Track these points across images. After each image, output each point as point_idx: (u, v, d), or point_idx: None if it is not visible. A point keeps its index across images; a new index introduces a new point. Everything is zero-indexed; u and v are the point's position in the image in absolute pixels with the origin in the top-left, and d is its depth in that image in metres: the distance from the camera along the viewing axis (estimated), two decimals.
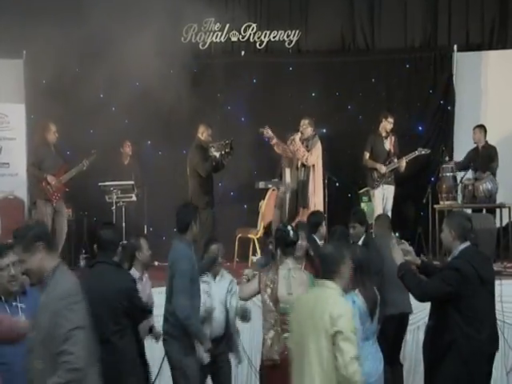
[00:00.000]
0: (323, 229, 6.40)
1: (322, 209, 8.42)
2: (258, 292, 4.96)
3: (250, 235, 8.98)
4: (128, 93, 8.80)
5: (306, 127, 8.58)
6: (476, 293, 4.49)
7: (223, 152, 8.41)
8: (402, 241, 5.07)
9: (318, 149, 8.60)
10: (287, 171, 8.76)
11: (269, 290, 4.81)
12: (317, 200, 8.54)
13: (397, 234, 5.32)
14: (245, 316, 5.42)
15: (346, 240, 5.95)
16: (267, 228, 8.33)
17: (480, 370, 4.56)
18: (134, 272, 5.30)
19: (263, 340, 4.90)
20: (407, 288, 4.74)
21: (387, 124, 9.09)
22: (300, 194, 8.43)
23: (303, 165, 8.51)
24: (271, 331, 4.77)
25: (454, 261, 4.57)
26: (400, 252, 4.72)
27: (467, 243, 4.60)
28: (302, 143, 8.58)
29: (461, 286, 4.44)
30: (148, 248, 5.41)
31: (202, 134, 8.69)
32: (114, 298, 4.29)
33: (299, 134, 8.55)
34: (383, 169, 9.00)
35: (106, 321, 4.23)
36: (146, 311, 4.73)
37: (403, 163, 8.98)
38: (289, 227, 4.99)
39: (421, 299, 4.80)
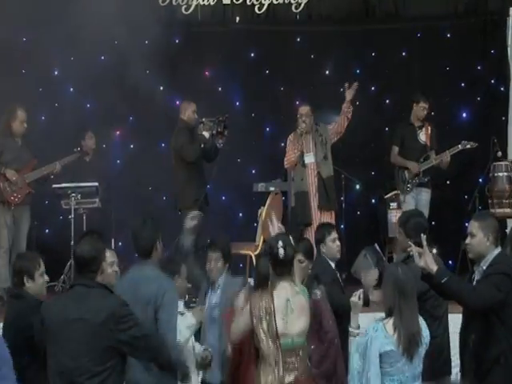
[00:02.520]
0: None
1: None
2: (251, 328, 4.54)
3: (246, 251, 8.26)
4: (90, 69, 8.47)
5: (307, 116, 8.02)
6: None
7: (214, 132, 7.78)
8: (409, 242, 4.95)
9: None
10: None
11: (264, 324, 4.45)
12: None
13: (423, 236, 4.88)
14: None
15: None
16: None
17: None
18: None
19: None
20: (456, 296, 4.62)
21: (419, 110, 8.49)
22: (329, 189, 7.96)
23: (325, 158, 8.14)
24: (270, 376, 4.42)
25: (500, 266, 4.60)
26: (431, 255, 4.54)
27: (499, 248, 4.72)
28: None
29: (509, 293, 4.53)
30: (113, 262, 4.86)
31: (185, 112, 8.14)
32: (95, 329, 3.89)
33: (303, 124, 8.06)
34: (416, 168, 8.37)
35: (84, 361, 3.88)
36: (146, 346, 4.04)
37: (447, 158, 8.30)
38: (280, 243, 4.62)
39: (476, 308, 4.66)
